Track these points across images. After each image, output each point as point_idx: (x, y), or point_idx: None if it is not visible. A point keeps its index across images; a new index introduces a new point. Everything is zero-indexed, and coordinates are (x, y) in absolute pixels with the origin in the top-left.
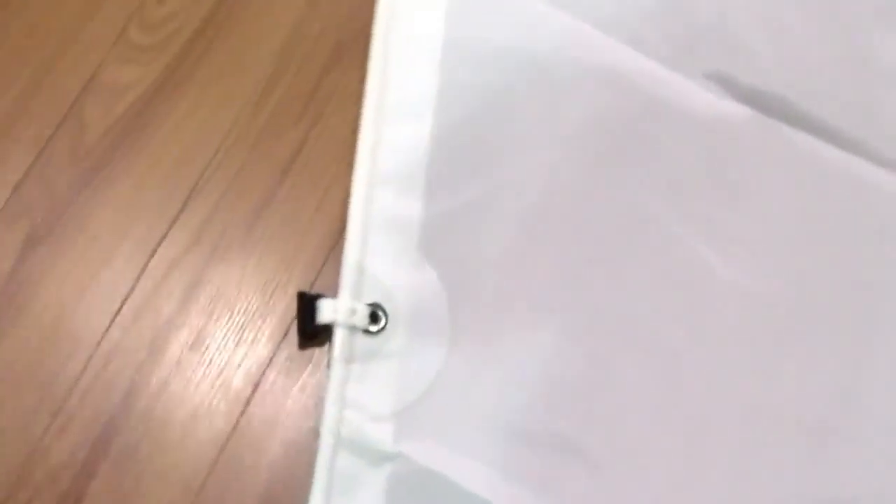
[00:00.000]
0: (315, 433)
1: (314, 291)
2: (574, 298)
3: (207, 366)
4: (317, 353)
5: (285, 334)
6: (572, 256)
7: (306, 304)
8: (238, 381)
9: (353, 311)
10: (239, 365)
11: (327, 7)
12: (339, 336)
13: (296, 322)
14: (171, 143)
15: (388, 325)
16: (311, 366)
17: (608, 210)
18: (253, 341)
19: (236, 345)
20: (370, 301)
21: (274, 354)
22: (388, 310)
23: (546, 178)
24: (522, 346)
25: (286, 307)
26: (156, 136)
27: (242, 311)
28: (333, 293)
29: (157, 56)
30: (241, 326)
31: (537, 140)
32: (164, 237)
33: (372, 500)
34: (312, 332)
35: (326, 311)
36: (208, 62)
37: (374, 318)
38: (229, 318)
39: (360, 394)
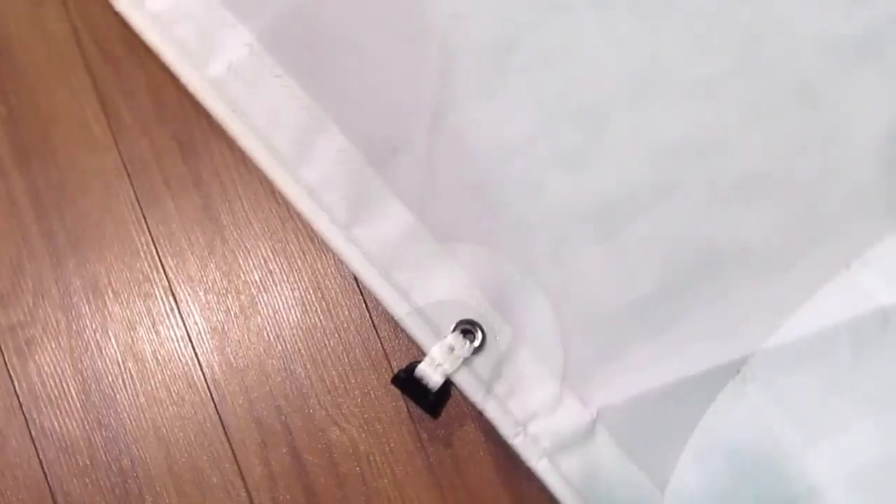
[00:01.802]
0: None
1: (397, 367)
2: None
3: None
4: (452, 406)
5: (411, 418)
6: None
7: (410, 384)
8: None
9: (451, 350)
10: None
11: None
12: (462, 383)
13: (412, 403)
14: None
15: (485, 329)
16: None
17: None
18: (393, 448)
19: (386, 455)
20: (452, 326)
21: (424, 446)
22: (473, 317)
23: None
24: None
25: (388, 394)
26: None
27: (364, 431)
28: (413, 349)
29: None
30: (375, 441)
31: None
32: None
33: (610, 457)
34: (436, 400)
35: (432, 374)
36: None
37: (468, 334)
38: (353, 456)
39: (525, 404)
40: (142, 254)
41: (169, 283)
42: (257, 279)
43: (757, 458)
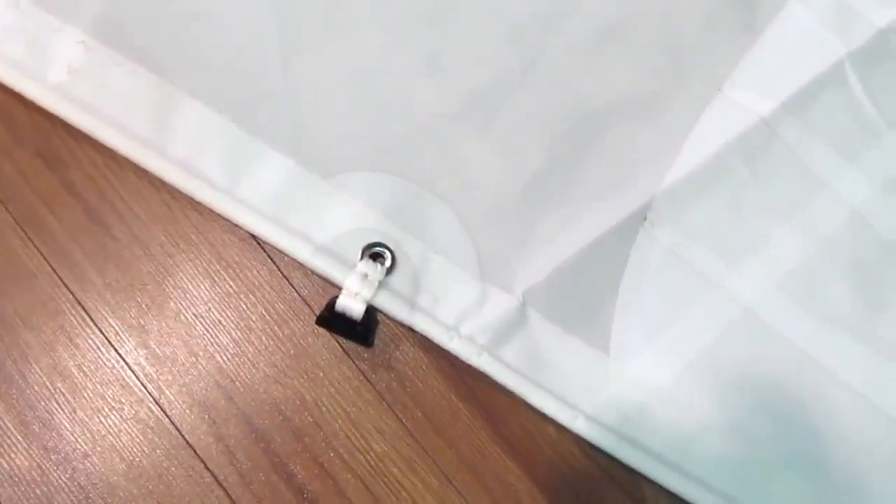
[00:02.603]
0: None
1: (319, 309)
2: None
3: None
4: (384, 332)
5: (347, 354)
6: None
7: (334, 320)
8: (375, 420)
9: (365, 276)
10: (363, 401)
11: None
12: (385, 305)
13: (344, 339)
14: None
15: (393, 248)
16: (390, 346)
17: None
18: (338, 389)
19: (333, 396)
20: (360, 253)
21: (367, 377)
22: (378, 240)
23: None
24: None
25: (318, 338)
26: None
27: (306, 380)
28: (329, 288)
29: None
30: (319, 386)
31: None
32: None
33: (547, 335)
34: (365, 329)
35: (353, 305)
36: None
37: (378, 257)
38: (302, 408)
39: (451, 308)
40: (38, 274)
41: (73, 294)
42: (158, 266)
43: (687, 295)
